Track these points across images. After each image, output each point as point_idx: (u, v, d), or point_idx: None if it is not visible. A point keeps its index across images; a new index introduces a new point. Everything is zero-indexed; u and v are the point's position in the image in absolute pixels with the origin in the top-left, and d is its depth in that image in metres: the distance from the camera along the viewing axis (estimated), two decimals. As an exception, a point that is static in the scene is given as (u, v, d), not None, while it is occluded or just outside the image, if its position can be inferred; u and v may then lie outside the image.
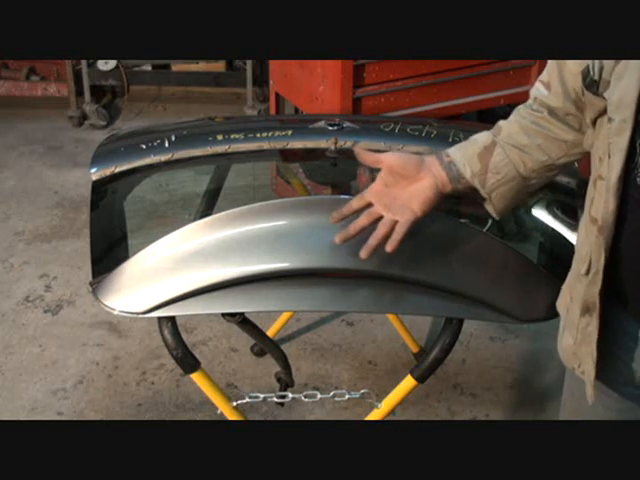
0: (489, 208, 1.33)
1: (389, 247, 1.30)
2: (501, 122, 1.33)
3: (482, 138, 1.32)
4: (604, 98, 1.14)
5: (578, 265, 1.23)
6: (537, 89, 1.29)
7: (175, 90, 4.45)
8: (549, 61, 1.29)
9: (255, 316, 1.65)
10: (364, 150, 1.35)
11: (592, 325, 1.20)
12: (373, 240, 1.31)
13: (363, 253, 1.32)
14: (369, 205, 1.32)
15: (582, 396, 1.27)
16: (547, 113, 1.28)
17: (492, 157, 1.28)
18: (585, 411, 1.31)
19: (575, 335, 1.25)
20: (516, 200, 1.34)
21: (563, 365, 1.35)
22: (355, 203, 1.34)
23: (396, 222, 1.30)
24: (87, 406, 2.38)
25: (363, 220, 1.33)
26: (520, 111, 1.32)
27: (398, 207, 1.30)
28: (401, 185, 1.30)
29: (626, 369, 1.24)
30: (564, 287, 1.32)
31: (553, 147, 1.29)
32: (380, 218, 1.32)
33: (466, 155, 1.30)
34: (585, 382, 1.25)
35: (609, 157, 1.12)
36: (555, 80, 1.25)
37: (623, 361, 1.24)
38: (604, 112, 1.15)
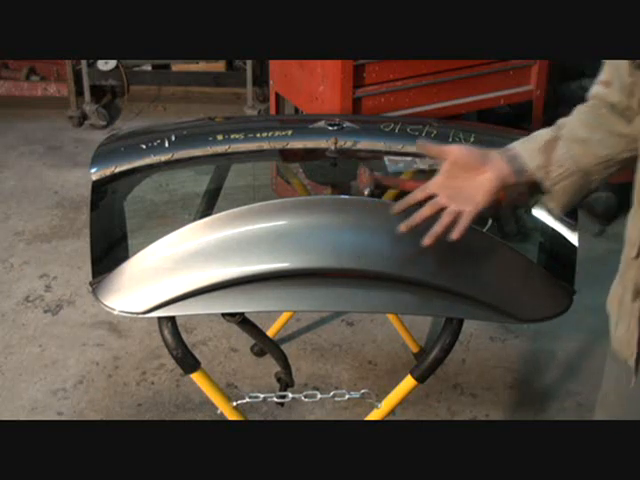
0: (551, 204, 1.35)
1: (455, 235, 1.34)
2: (561, 119, 1.34)
3: (543, 134, 1.34)
4: None
5: (629, 251, 1.24)
6: (596, 89, 1.31)
7: (175, 90, 4.45)
8: (606, 61, 1.30)
9: (255, 316, 1.65)
10: (426, 143, 1.38)
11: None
12: (439, 228, 1.34)
13: (427, 240, 1.35)
14: (432, 196, 1.36)
15: (621, 385, 1.27)
16: (607, 110, 1.29)
17: (555, 151, 1.31)
18: (628, 404, 1.30)
19: (628, 322, 1.25)
20: (578, 196, 1.35)
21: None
22: (419, 194, 1.37)
23: (459, 213, 1.34)
24: (87, 406, 2.38)
25: (427, 210, 1.36)
26: (580, 109, 1.34)
27: (462, 198, 1.33)
28: (465, 177, 1.33)
29: None
30: (614, 284, 1.32)
31: (613, 142, 1.30)
32: (442, 209, 1.35)
33: (529, 149, 1.32)
34: (633, 369, 1.24)
35: None
36: (613, 76, 1.27)
37: None
38: None
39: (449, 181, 1.34)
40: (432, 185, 1.36)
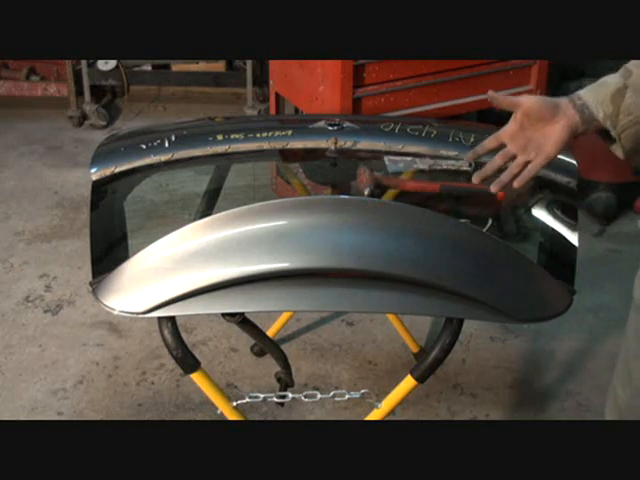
0: (617, 150, 1.37)
1: (517, 184, 1.37)
2: (629, 64, 1.35)
3: (614, 81, 1.34)
4: None
5: None
6: None
7: (175, 90, 4.45)
8: None
9: (255, 316, 1.65)
10: (498, 94, 1.38)
11: None
12: (506, 177, 1.38)
13: (494, 187, 1.39)
14: (502, 146, 1.39)
15: None
16: None
17: (624, 100, 1.32)
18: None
19: None
20: None
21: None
22: (489, 143, 1.40)
23: (528, 162, 1.37)
24: (87, 406, 2.38)
25: (498, 160, 1.39)
26: None
27: (533, 148, 1.36)
28: (536, 127, 1.36)
29: None
30: None
31: None
32: (513, 158, 1.38)
33: (598, 98, 1.33)
34: None
35: None
36: None
37: None
38: None
39: (520, 131, 1.36)
40: (504, 135, 1.38)
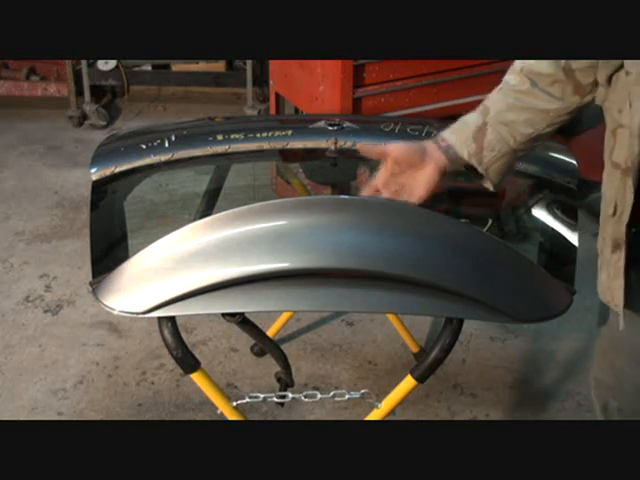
0: (486, 184, 1.45)
1: None
2: (486, 102, 1.42)
3: (472, 119, 1.42)
4: None
5: (605, 208, 1.34)
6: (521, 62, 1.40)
7: (175, 90, 4.45)
8: None
9: (255, 316, 1.65)
10: (366, 144, 1.48)
11: (622, 260, 1.32)
12: None
13: None
14: (377, 192, 1.46)
15: (611, 327, 1.42)
16: (530, 84, 1.37)
17: (486, 137, 1.39)
18: (619, 339, 1.45)
19: (608, 271, 1.36)
20: (509, 171, 1.46)
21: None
22: (365, 192, 1.47)
23: None
24: (87, 406, 2.38)
25: None
26: (503, 89, 1.41)
27: (405, 192, 1.44)
28: (407, 173, 1.43)
29: None
30: (599, 232, 1.42)
31: (538, 119, 1.39)
32: None
33: (461, 138, 1.41)
34: (618, 313, 1.36)
35: (630, 106, 1.22)
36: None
37: None
38: (620, 68, 1.24)
39: (392, 178, 1.44)
40: (378, 183, 1.46)
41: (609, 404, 1.52)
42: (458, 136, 1.41)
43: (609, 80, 1.27)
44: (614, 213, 1.30)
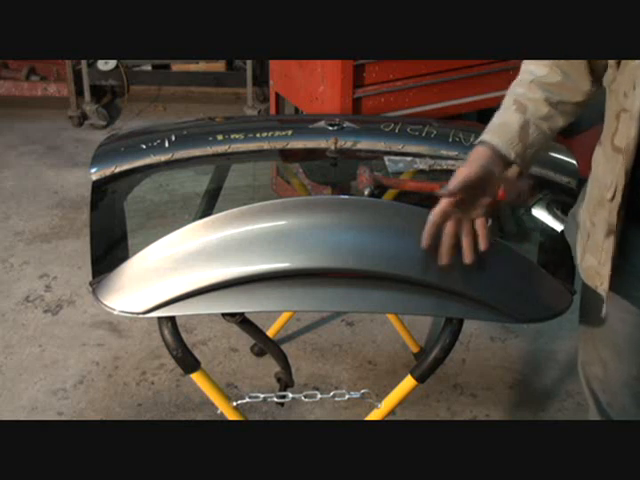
0: (522, 174, 1.42)
1: (484, 246, 1.39)
2: (518, 98, 1.39)
3: (512, 119, 1.38)
4: None
5: (601, 192, 1.34)
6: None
7: (175, 90, 4.45)
8: None
9: (255, 316, 1.65)
10: (444, 188, 1.37)
11: (612, 245, 1.33)
12: (468, 250, 1.39)
13: (467, 260, 1.39)
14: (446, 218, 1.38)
15: (596, 315, 1.42)
16: (562, 77, 1.37)
17: (529, 135, 1.37)
18: (599, 328, 1.46)
19: (599, 256, 1.36)
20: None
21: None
22: (437, 218, 1.37)
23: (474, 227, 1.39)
24: (87, 406, 2.38)
25: (448, 235, 1.38)
26: (535, 83, 1.38)
27: (480, 204, 1.38)
28: (475, 193, 1.37)
29: None
30: (583, 215, 1.42)
31: (571, 111, 1.40)
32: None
33: (506, 139, 1.37)
34: (603, 299, 1.37)
35: (634, 89, 1.22)
36: None
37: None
38: None
39: (461, 200, 1.36)
40: (444, 208, 1.36)
41: (600, 398, 1.52)
42: (502, 138, 1.37)
43: (618, 63, 1.28)
44: (612, 198, 1.30)
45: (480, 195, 1.36)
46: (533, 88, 1.38)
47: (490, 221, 1.42)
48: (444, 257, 1.39)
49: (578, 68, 1.35)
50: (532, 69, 1.39)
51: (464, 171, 1.35)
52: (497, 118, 1.39)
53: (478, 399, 2.43)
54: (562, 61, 1.36)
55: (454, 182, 1.34)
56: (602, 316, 1.39)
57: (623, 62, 1.26)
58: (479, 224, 1.38)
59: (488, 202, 1.37)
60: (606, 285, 1.36)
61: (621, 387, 1.49)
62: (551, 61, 1.37)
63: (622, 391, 1.49)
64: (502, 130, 1.38)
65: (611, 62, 1.29)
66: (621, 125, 1.28)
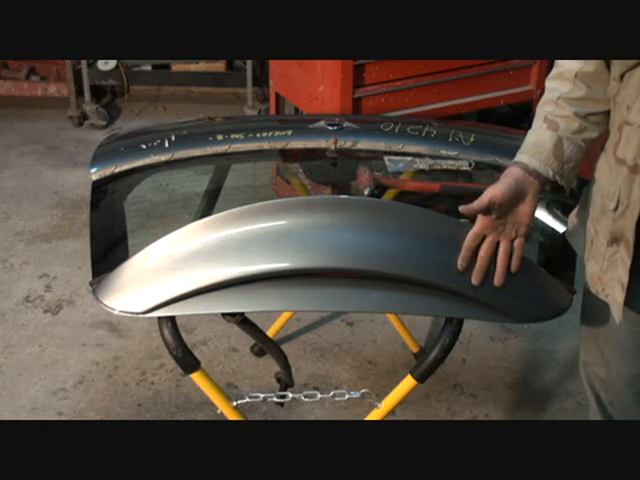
0: (564, 190, 1.43)
1: (515, 267, 1.43)
2: (548, 115, 1.39)
3: (545, 137, 1.38)
4: None
5: (604, 202, 1.36)
6: (572, 64, 1.38)
7: (175, 90, 4.45)
8: None
9: (255, 316, 1.65)
10: (468, 206, 1.38)
11: (619, 254, 1.34)
12: (501, 270, 1.42)
13: (497, 282, 1.43)
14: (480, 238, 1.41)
15: (599, 316, 1.46)
16: (586, 90, 1.37)
17: (564, 151, 1.38)
18: (602, 329, 1.49)
19: (601, 263, 1.38)
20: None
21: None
22: (471, 242, 1.41)
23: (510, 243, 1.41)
24: (87, 406, 2.38)
25: (484, 255, 1.41)
26: (562, 99, 1.39)
27: (514, 228, 1.40)
28: (510, 210, 1.38)
29: None
30: (588, 221, 1.43)
31: (602, 121, 1.39)
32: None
33: (542, 159, 1.38)
34: (610, 304, 1.38)
35: (637, 102, 1.25)
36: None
37: None
38: (633, 67, 1.25)
39: (495, 220, 1.38)
40: (480, 229, 1.40)
41: (602, 398, 1.53)
42: (538, 157, 1.38)
43: (622, 77, 1.29)
44: (616, 208, 1.32)
45: (515, 215, 1.38)
46: (561, 104, 1.38)
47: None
48: (477, 278, 1.42)
49: (600, 78, 1.36)
50: (556, 86, 1.39)
51: (491, 190, 1.36)
52: (530, 138, 1.40)
53: (478, 399, 2.43)
54: (584, 74, 1.36)
55: (479, 201, 1.36)
56: (617, 323, 1.38)
57: (627, 76, 1.27)
58: (517, 244, 1.41)
59: (526, 221, 1.39)
60: (609, 291, 1.36)
61: (623, 386, 1.49)
62: (572, 76, 1.37)
63: (624, 390, 1.49)
64: (536, 149, 1.38)
65: (615, 75, 1.30)
66: (623, 137, 1.29)
